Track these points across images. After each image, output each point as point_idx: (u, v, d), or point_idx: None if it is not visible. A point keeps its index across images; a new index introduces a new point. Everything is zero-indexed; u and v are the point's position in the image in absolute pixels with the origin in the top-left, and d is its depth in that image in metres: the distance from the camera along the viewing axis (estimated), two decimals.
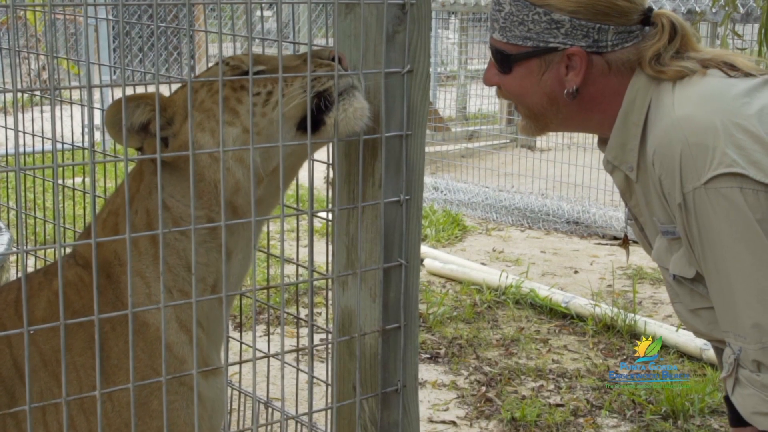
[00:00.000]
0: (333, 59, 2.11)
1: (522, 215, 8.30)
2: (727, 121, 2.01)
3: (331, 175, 2.42)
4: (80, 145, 4.07)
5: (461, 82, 11.98)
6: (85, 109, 4.55)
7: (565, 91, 2.19)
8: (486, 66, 2.34)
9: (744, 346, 2.03)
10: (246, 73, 2.15)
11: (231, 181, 2.16)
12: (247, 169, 2.13)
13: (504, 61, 2.23)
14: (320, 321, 5.48)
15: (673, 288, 2.25)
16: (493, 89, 2.37)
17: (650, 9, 2.21)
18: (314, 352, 4.71)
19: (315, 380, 2.72)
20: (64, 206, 4.89)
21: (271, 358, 2.39)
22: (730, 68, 2.17)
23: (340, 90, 2.10)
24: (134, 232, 2.18)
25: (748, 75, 2.16)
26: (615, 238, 7.67)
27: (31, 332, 2.07)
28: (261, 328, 5.39)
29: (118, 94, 2.09)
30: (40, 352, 2.14)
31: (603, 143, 2.31)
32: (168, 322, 2.19)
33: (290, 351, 2.41)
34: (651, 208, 2.21)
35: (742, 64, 2.19)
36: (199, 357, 2.22)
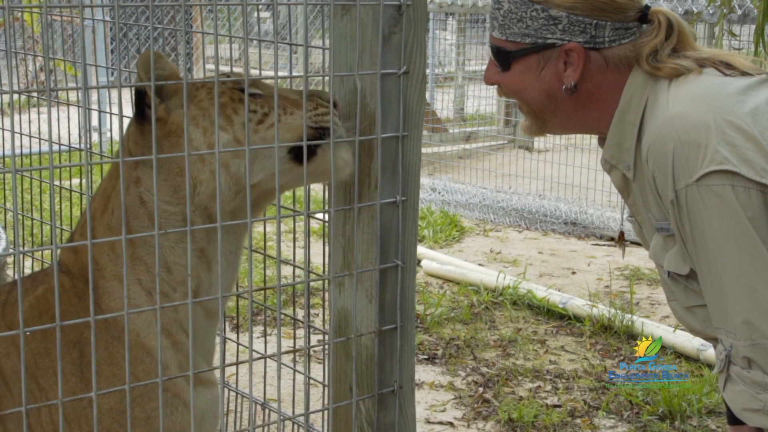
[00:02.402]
0: (333, 104, 2.13)
1: (519, 216, 8.30)
2: (720, 119, 2.02)
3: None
4: (77, 146, 4.07)
5: (459, 83, 11.98)
6: (82, 110, 4.55)
7: (564, 86, 2.21)
8: (486, 66, 2.35)
9: (735, 342, 2.04)
10: (243, 89, 2.14)
11: (211, 186, 2.12)
12: (231, 176, 2.12)
13: (503, 58, 2.25)
14: (317, 322, 5.47)
15: (669, 285, 2.26)
16: (491, 91, 2.39)
17: (647, 6, 2.23)
18: (311, 353, 4.71)
19: (312, 381, 2.72)
20: (61, 208, 4.89)
21: (268, 359, 2.39)
22: (727, 67, 2.18)
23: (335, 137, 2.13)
24: (110, 233, 2.15)
25: (744, 74, 2.17)
26: (613, 239, 7.67)
27: (14, 336, 2.07)
28: (258, 329, 5.39)
29: (115, 95, 2.09)
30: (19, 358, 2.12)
31: (603, 142, 2.32)
32: (148, 326, 2.15)
33: (287, 352, 2.41)
34: (647, 205, 2.22)
35: (739, 63, 2.20)
36: (183, 364, 2.19)
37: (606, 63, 2.20)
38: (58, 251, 1.88)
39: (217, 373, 2.41)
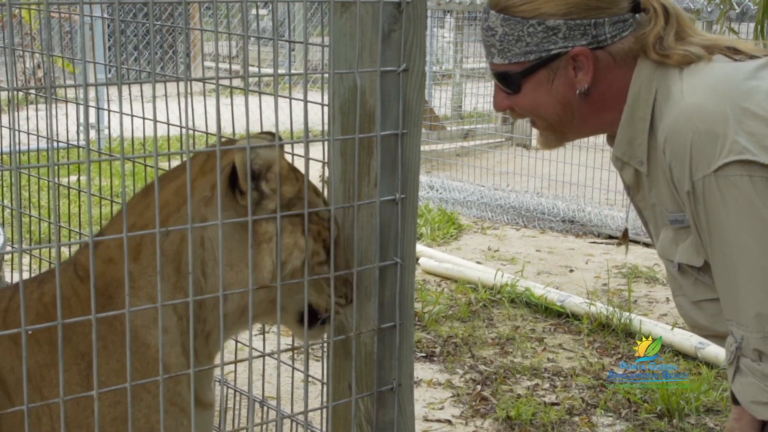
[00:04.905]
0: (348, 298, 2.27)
1: (517, 214, 8.30)
2: (736, 108, 2.01)
3: (326, 173, 2.42)
4: (75, 143, 4.07)
5: (456, 81, 11.97)
6: (81, 107, 4.54)
7: (577, 91, 2.19)
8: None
9: (746, 335, 2.04)
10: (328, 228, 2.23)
11: (241, 301, 2.19)
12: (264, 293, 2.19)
13: (511, 81, 2.22)
14: None
15: (677, 279, 2.24)
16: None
17: None
18: (310, 350, 4.71)
19: (310, 379, 2.72)
20: (59, 205, 4.88)
21: (267, 357, 2.39)
22: (734, 52, 2.17)
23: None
24: (160, 255, 2.12)
25: (752, 57, 2.16)
26: (610, 237, 7.68)
27: (18, 349, 2.06)
28: (257, 327, 5.39)
29: (113, 92, 2.08)
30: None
31: (612, 138, 2.31)
32: (172, 345, 2.16)
33: (286, 350, 2.41)
34: (661, 197, 2.20)
35: (745, 47, 2.19)
36: (195, 384, 2.21)
37: (613, 59, 2.18)
38: (62, 249, 1.87)
39: (218, 371, 2.41)
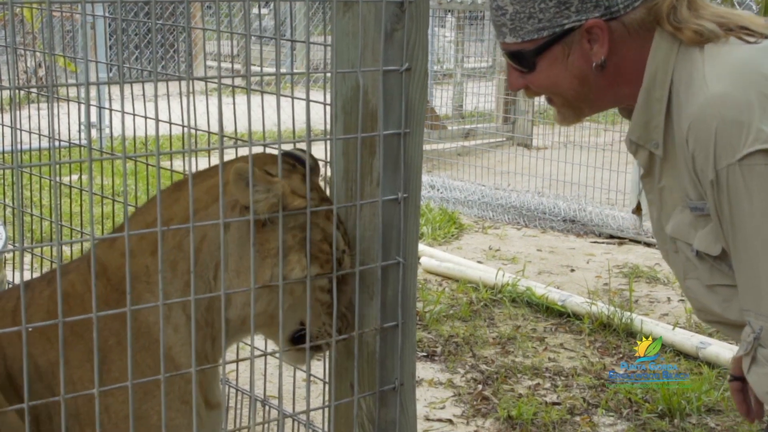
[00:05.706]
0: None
1: (518, 213, 8.30)
2: (761, 95, 1.99)
3: (328, 172, 2.41)
4: (76, 142, 4.07)
5: (458, 81, 11.96)
6: (82, 106, 4.54)
7: (594, 64, 2.17)
8: (507, 72, 2.30)
9: (765, 325, 2.02)
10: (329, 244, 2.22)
11: (241, 312, 2.20)
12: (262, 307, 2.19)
13: (525, 60, 2.20)
14: None
15: (692, 262, 2.22)
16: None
17: None
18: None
19: (312, 378, 2.72)
20: (60, 203, 4.88)
21: (269, 356, 2.39)
22: (748, 34, 2.15)
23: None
24: (178, 250, 2.14)
25: (765, 36, 2.14)
26: (611, 237, 7.67)
27: (48, 333, 2.05)
28: None
29: (115, 91, 2.07)
30: (36, 365, 2.10)
31: (624, 111, 2.29)
32: (182, 345, 2.17)
33: (288, 349, 2.40)
34: (674, 183, 2.18)
35: (756, 25, 2.17)
36: (203, 384, 2.22)
37: (627, 31, 2.15)
38: (60, 247, 1.87)
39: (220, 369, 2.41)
